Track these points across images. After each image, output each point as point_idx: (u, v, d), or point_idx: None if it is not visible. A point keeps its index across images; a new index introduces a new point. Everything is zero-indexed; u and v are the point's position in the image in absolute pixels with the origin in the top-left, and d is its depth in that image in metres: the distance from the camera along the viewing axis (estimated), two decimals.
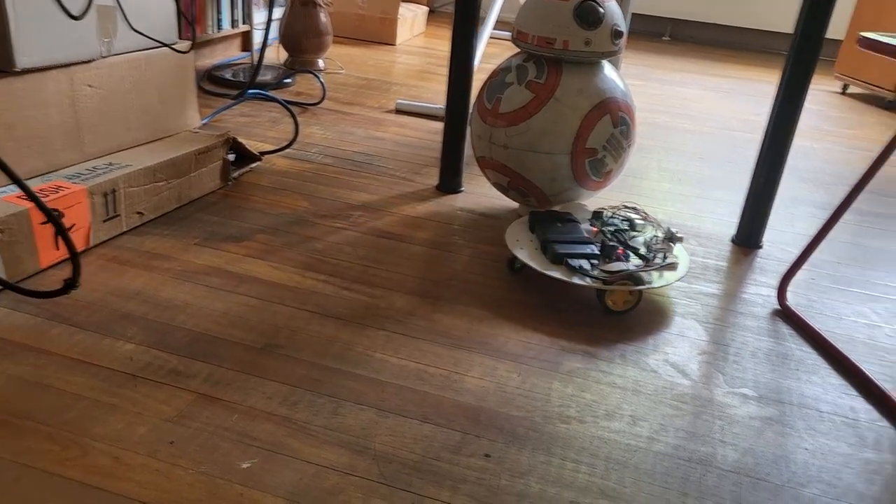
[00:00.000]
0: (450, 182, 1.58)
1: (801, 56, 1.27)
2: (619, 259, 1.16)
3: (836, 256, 1.42)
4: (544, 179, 1.32)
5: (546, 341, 1.07)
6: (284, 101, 2.05)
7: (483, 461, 0.83)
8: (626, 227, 1.26)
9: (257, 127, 1.88)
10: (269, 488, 0.76)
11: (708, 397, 0.98)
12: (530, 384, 0.97)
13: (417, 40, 3.17)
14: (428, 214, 1.46)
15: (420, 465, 0.81)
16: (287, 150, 1.73)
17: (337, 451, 0.82)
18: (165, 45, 1.40)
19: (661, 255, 1.17)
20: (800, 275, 1.33)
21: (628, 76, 2.79)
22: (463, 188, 1.60)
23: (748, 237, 1.43)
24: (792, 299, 1.24)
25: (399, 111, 2.12)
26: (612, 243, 1.18)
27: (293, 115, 1.73)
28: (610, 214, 1.30)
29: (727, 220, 1.54)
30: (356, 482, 0.78)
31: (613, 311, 1.14)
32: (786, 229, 1.53)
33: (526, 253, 1.18)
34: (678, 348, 1.08)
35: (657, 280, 1.14)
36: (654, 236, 1.24)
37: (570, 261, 1.15)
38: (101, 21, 1.25)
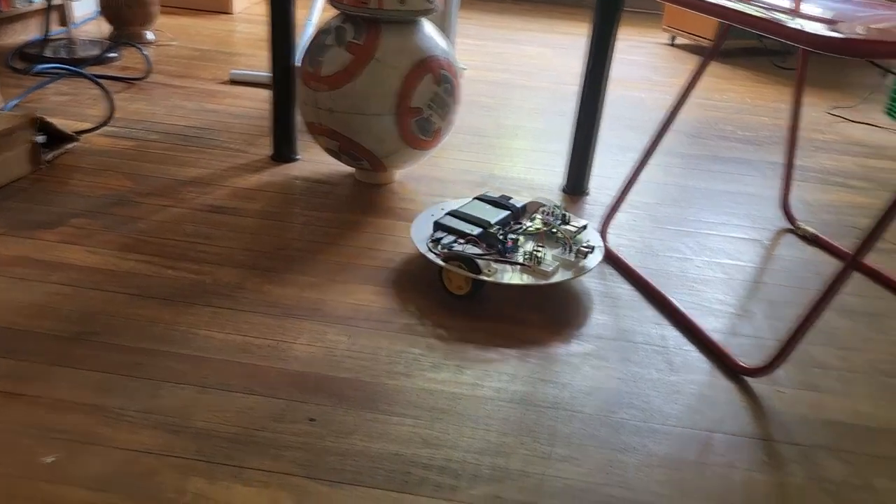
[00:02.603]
0: (284, 151, 1.54)
1: (605, 7, 1.33)
2: (502, 249, 1.10)
3: (655, 198, 1.51)
4: (373, 141, 1.31)
5: (378, 302, 1.07)
6: (94, 75, 1.92)
7: (308, 426, 0.83)
8: (540, 225, 1.17)
9: (78, 105, 1.75)
10: (76, 480, 0.72)
11: (532, 339, 1.02)
12: (360, 345, 0.97)
13: (257, 8, 3.05)
14: (261, 185, 1.42)
15: (241, 437, 0.80)
16: (111, 129, 1.63)
17: (153, 434, 0.79)
18: None
19: (535, 259, 1.08)
20: (622, 217, 1.41)
21: (469, 36, 2.82)
22: (299, 156, 1.57)
23: (575, 185, 1.49)
24: (614, 241, 1.31)
25: (234, 82, 2.04)
26: (493, 231, 1.13)
27: (105, 90, 1.63)
28: (549, 212, 1.21)
29: (558, 171, 1.60)
30: (172, 462, 0.76)
31: (450, 293, 1.09)
32: (612, 175, 1.61)
33: (426, 222, 1.17)
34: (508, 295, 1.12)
35: (508, 276, 1.05)
36: (562, 238, 1.14)
37: (435, 232, 1.13)
38: None
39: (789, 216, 1.43)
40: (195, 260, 1.14)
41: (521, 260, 1.08)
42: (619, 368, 0.97)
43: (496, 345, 1.00)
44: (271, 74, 1.46)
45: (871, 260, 1.30)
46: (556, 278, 1.07)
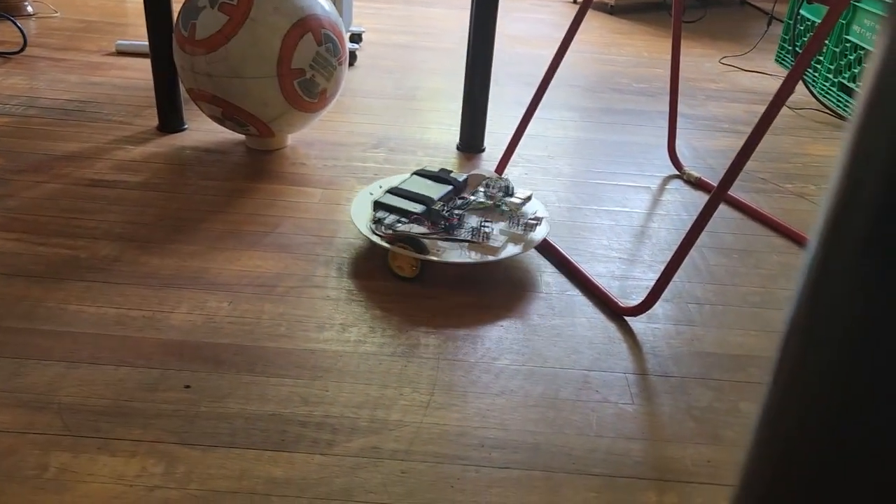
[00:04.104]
0: (170, 121, 1.49)
1: None
2: (448, 226, 1.05)
3: (548, 151, 1.53)
4: (256, 105, 1.28)
5: (262, 267, 1.06)
6: None
7: (182, 393, 0.81)
8: (485, 200, 1.13)
9: None
10: None
11: (417, 293, 1.02)
12: (241, 310, 0.96)
13: None
14: (146, 157, 1.37)
15: (110, 409, 0.78)
16: None
17: (14, 413, 0.76)
18: None
19: (484, 235, 1.05)
20: (515, 171, 1.42)
21: (375, 0, 2.77)
22: (187, 125, 1.52)
23: (470, 143, 1.49)
24: None
25: (121, 53, 1.95)
26: (436, 208, 1.07)
27: None
28: (490, 184, 1.16)
29: (454, 130, 1.60)
30: (34, 439, 0.73)
31: (399, 276, 1.04)
32: (508, 132, 1.61)
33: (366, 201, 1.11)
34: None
35: (457, 255, 1.01)
36: (506, 211, 1.11)
37: (376, 212, 1.06)
38: None
39: (676, 163, 1.47)
40: (69, 235, 1.10)
41: (468, 236, 1.04)
42: (503, 315, 0.99)
43: (378, 301, 1.00)
44: (149, 41, 1.40)
45: (752, 199, 1.35)
46: (506, 253, 1.03)
